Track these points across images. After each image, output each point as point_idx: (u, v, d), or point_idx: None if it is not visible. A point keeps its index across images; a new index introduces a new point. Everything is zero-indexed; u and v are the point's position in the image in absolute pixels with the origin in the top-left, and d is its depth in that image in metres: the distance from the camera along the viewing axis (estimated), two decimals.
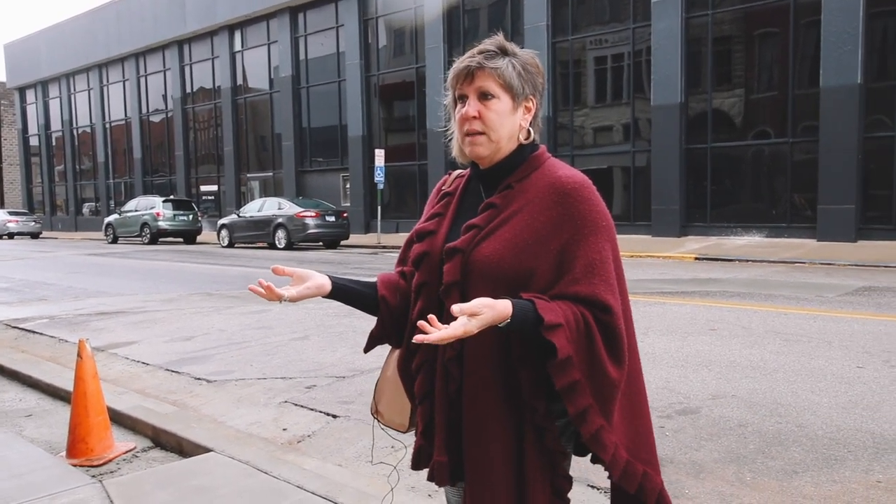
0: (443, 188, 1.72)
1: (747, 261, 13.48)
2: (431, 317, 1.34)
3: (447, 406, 1.55)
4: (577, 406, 1.41)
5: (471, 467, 1.52)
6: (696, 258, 14.23)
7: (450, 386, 1.53)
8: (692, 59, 17.98)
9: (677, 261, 14.23)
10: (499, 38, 1.54)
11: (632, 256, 15.02)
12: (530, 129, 1.56)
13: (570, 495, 1.57)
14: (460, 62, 1.54)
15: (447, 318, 1.38)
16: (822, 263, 12.66)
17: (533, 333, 1.39)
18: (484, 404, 1.49)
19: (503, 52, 1.52)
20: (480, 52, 1.52)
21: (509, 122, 1.53)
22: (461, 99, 1.55)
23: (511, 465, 1.48)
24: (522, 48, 1.58)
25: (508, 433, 1.49)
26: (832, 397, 4.49)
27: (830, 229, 15.72)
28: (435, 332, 1.31)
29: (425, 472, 1.64)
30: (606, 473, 1.54)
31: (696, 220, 18.16)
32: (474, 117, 1.51)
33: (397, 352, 1.73)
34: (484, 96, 1.51)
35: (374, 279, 1.73)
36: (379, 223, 22.10)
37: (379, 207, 22.20)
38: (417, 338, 1.32)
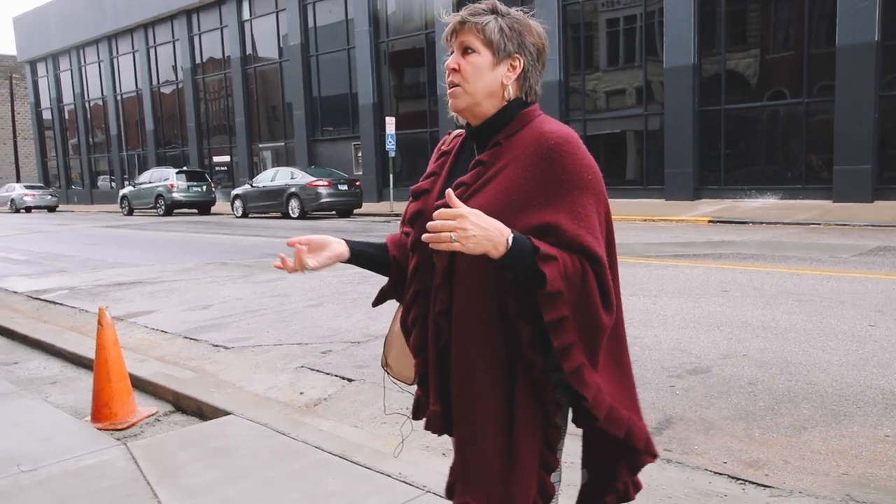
0: (442, 148, 1.75)
1: (761, 223, 13.41)
2: (448, 192, 1.40)
3: (439, 358, 1.60)
4: (563, 341, 1.44)
5: (458, 416, 1.57)
6: (710, 221, 14.17)
7: (440, 338, 1.58)
8: (705, 20, 17.68)
9: (691, 224, 14.19)
10: (494, 1, 1.58)
11: (645, 220, 14.98)
12: (510, 86, 1.56)
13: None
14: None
15: (440, 273, 1.52)
16: (837, 224, 12.58)
17: (530, 266, 1.40)
18: (470, 356, 1.53)
19: (492, 12, 1.56)
20: (467, 9, 1.56)
21: (488, 77, 1.55)
22: (451, 55, 1.60)
23: (498, 415, 1.53)
24: (533, 12, 1.60)
25: (496, 384, 1.52)
26: (843, 355, 4.52)
27: (846, 190, 15.57)
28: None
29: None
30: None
31: (710, 183, 18.03)
32: (454, 69, 1.56)
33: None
34: (465, 51, 1.56)
35: (383, 241, 1.77)
36: (391, 191, 22.10)
37: (391, 175, 22.18)
38: (429, 226, 1.37)
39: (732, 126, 17.61)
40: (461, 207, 1.37)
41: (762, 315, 5.68)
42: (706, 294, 6.62)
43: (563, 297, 1.42)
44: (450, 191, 1.39)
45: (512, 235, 1.39)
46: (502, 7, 1.57)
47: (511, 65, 1.56)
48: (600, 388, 1.50)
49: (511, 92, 1.57)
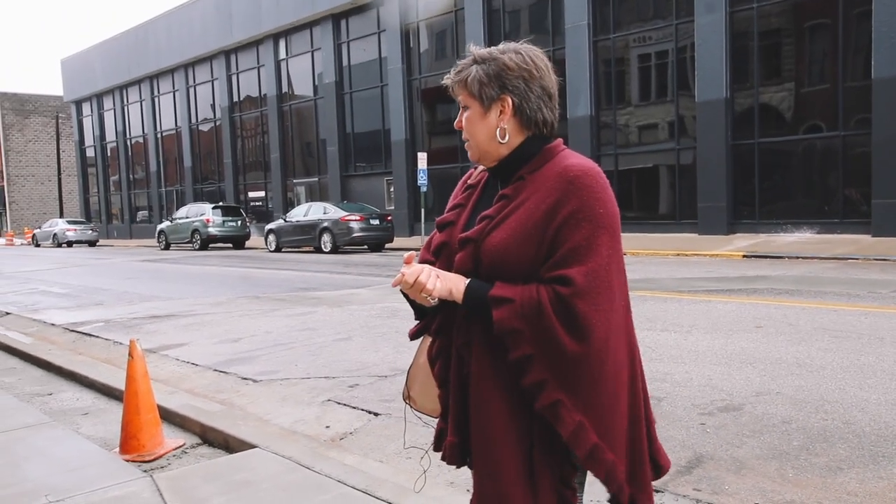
0: (468, 181, 1.78)
1: (797, 258, 13.17)
2: (410, 254, 1.55)
3: (459, 389, 1.60)
4: (530, 379, 1.46)
5: (476, 446, 1.57)
6: (745, 256, 13.95)
7: (462, 370, 1.58)
8: (737, 54, 17.64)
9: (725, 259, 13.99)
10: (474, 49, 1.64)
11: (677, 255, 14.82)
12: (507, 126, 1.60)
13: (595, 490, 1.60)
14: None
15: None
16: (876, 259, 12.29)
17: (488, 309, 1.49)
18: (489, 388, 1.54)
19: (473, 62, 1.62)
20: (455, 68, 1.65)
21: (483, 127, 1.62)
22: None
23: (516, 446, 1.52)
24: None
25: (513, 417, 1.53)
26: (882, 394, 4.38)
27: (886, 224, 15.24)
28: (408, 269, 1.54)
29: (465, 468, 1.70)
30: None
31: (745, 217, 17.81)
32: (460, 128, 1.67)
33: (430, 339, 1.79)
34: (464, 108, 1.65)
35: None
36: (423, 226, 22.22)
37: (422, 210, 22.32)
38: (395, 281, 1.56)
39: (767, 160, 17.42)
40: (432, 281, 1.53)
41: (797, 352, 5.55)
42: (739, 330, 6.50)
43: (521, 335, 1.45)
44: (408, 254, 1.57)
45: (467, 283, 1.52)
46: (482, 53, 1.62)
47: (501, 107, 1.60)
48: (583, 426, 1.47)
49: (511, 131, 1.60)
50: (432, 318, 1.72)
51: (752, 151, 17.60)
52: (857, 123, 15.97)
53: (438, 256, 1.66)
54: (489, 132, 1.61)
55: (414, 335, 1.80)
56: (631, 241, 16.77)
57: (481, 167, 1.79)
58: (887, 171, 15.17)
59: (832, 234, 16.22)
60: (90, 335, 7.86)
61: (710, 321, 6.99)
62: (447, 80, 1.67)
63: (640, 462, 1.58)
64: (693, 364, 5.31)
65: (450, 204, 1.76)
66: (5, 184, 53.31)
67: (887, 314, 7.00)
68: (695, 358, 5.51)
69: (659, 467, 1.66)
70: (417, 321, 1.78)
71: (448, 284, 1.53)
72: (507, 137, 1.60)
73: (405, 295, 1.63)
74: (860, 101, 15.81)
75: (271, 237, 23.34)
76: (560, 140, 1.65)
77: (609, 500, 1.58)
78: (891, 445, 3.56)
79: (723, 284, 9.85)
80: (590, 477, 1.62)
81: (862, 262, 12.14)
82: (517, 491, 1.52)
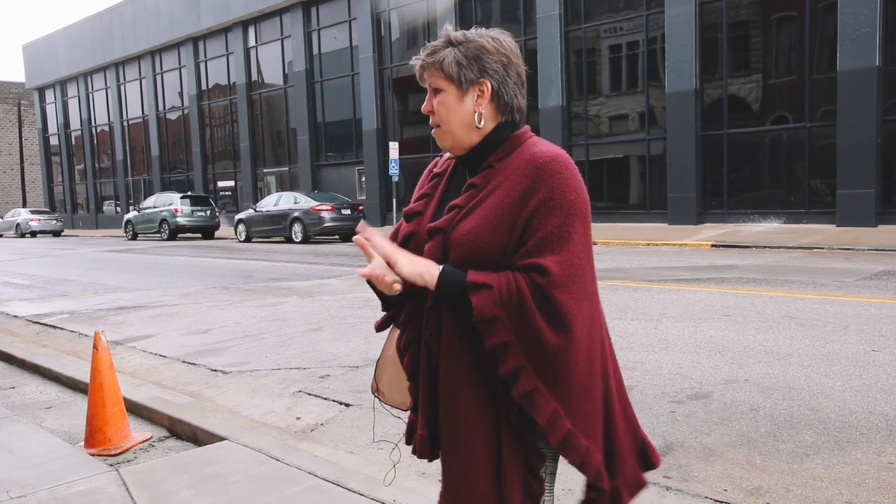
0: (434, 169, 1.75)
1: (764, 247, 13.37)
2: (362, 224, 1.53)
3: (429, 381, 1.58)
4: (507, 366, 1.44)
5: (446, 439, 1.55)
6: (713, 245, 14.13)
7: (431, 362, 1.56)
8: (707, 46, 17.80)
9: (694, 248, 14.15)
10: (448, 31, 1.59)
11: (647, 244, 14.95)
12: (484, 111, 1.57)
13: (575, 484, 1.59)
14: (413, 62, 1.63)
15: (431, 296, 1.52)
16: (841, 248, 12.52)
17: (464, 295, 1.45)
18: (459, 379, 1.52)
19: (448, 44, 1.57)
20: (426, 50, 1.59)
21: (459, 112, 1.57)
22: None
23: (486, 437, 1.51)
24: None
25: (482, 409, 1.51)
26: (846, 381, 4.46)
27: (850, 214, 15.54)
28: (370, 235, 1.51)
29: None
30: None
31: (713, 207, 18.03)
32: (430, 112, 1.61)
33: (398, 331, 1.77)
34: (436, 91, 1.59)
35: None
36: (394, 215, 22.15)
37: (394, 200, 22.23)
38: (358, 237, 1.51)
39: (735, 150, 17.64)
40: (398, 257, 1.49)
41: (764, 340, 5.63)
42: (708, 318, 6.57)
43: (499, 322, 1.42)
44: (358, 237, 1.51)
45: (441, 269, 1.47)
46: (457, 35, 1.57)
47: (479, 90, 1.56)
48: (558, 413, 1.46)
49: (487, 116, 1.57)
50: (399, 309, 1.69)
51: (720, 142, 17.80)
52: (823, 115, 16.23)
53: (405, 247, 1.62)
54: (465, 117, 1.56)
55: (380, 326, 1.77)
56: (602, 231, 16.89)
57: (447, 155, 1.76)
58: (851, 162, 15.45)
59: (798, 223, 16.50)
60: (54, 327, 7.70)
61: (679, 310, 7.06)
62: (416, 60, 1.60)
63: (618, 452, 1.57)
64: (663, 352, 5.36)
65: (416, 193, 1.72)
66: None
67: (851, 302, 7.13)
68: (665, 346, 5.56)
69: (649, 463, 1.65)
70: (385, 312, 1.75)
71: (419, 269, 1.49)
72: (483, 122, 1.57)
73: (371, 284, 1.59)
74: (826, 93, 16.06)
75: (241, 227, 23.09)
76: (528, 127, 1.62)
77: (587, 488, 1.55)
78: (855, 431, 3.62)
79: (692, 273, 9.96)
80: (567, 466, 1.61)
81: (827, 252, 12.37)
82: (486, 482, 1.51)
